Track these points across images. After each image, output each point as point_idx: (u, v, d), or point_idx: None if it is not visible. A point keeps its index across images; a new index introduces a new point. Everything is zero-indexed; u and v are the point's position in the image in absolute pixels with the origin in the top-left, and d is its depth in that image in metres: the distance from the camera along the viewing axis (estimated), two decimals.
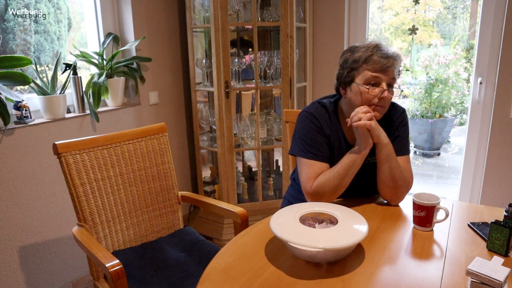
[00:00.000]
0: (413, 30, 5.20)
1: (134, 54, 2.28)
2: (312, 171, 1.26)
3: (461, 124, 5.55)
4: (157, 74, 2.44)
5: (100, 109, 2.10)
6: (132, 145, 1.54)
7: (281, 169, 2.64)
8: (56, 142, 1.32)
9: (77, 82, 1.94)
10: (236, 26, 2.52)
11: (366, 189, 1.37)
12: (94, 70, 2.15)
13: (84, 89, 2.00)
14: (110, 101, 2.19)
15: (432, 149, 4.82)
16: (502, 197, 2.35)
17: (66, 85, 1.91)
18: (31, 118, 1.77)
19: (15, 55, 1.64)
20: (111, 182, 1.47)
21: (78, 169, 1.37)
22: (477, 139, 2.42)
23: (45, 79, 1.91)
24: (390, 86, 1.24)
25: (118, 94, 2.19)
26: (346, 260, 0.97)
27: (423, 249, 1.03)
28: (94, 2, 2.15)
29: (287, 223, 0.99)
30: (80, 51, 2.07)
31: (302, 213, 1.06)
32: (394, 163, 1.24)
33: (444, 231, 1.12)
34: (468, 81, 4.84)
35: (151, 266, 1.40)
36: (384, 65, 1.20)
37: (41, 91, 1.80)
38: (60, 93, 1.86)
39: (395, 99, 1.32)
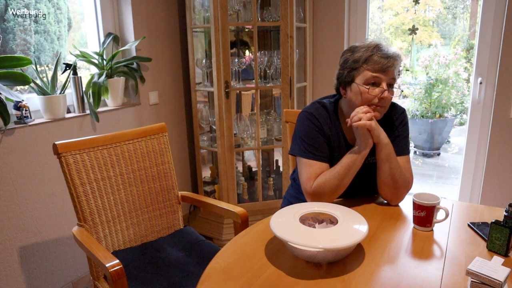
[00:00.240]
0: (413, 30, 5.20)
1: (134, 54, 2.28)
2: (312, 171, 1.26)
3: (461, 124, 5.55)
4: (157, 74, 2.44)
5: (100, 109, 2.10)
6: (132, 145, 1.54)
7: (281, 169, 2.64)
8: (56, 142, 1.32)
9: (77, 82, 1.94)
10: (236, 26, 2.52)
11: (366, 189, 1.37)
12: (94, 70, 2.15)
13: (84, 89, 2.00)
14: (110, 101, 2.19)
15: (432, 149, 4.82)
16: (502, 197, 2.35)
17: (66, 85, 1.91)
18: (31, 118, 1.77)
19: (15, 55, 1.64)
20: (111, 182, 1.47)
21: (78, 169, 1.37)
22: (477, 139, 2.42)
23: (45, 79, 1.91)
24: (390, 86, 1.24)
25: (118, 94, 2.19)
26: (346, 260, 0.97)
27: (423, 249, 1.03)
28: (94, 2, 2.15)
29: (287, 223, 0.99)
30: (80, 51, 2.07)
31: (302, 213, 1.06)
32: (394, 163, 1.24)
33: (444, 231, 1.12)
34: (468, 81, 4.84)
35: (151, 266, 1.40)
36: (384, 65, 1.20)
37: (41, 91, 1.80)
38: (60, 93, 1.86)
39: (395, 99, 1.32)
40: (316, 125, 1.30)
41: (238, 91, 2.68)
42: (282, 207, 1.49)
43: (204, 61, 2.42)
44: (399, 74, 1.32)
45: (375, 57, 1.20)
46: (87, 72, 2.25)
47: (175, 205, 1.65)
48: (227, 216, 1.51)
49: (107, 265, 1.10)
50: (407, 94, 5.20)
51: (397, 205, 1.30)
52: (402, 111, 1.39)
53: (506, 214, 0.98)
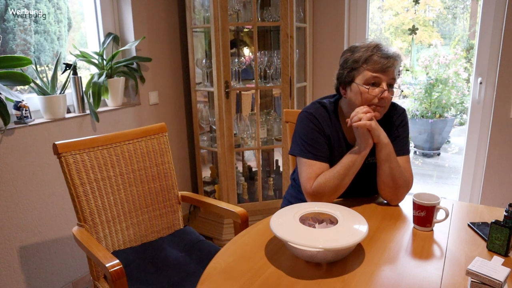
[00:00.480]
0: (413, 30, 5.20)
1: (134, 54, 2.28)
2: (312, 171, 1.26)
3: (461, 124, 5.55)
4: (157, 74, 2.44)
5: (100, 109, 2.10)
6: (132, 145, 1.54)
7: (281, 169, 2.64)
8: (56, 142, 1.32)
9: (77, 82, 1.94)
10: (236, 26, 2.52)
11: (366, 189, 1.37)
12: (94, 70, 2.15)
13: (84, 89, 2.00)
14: (110, 101, 2.19)
15: (432, 149, 4.82)
16: (502, 197, 2.35)
17: (66, 85, 1.91)
18: (31, 118, 1.77)
19: (15, 55, 1.64)
20: (111, 182, 1.47)
21: (78, 169, 1.37)
22: (477, 139, 2.42)
23: (45, 79, 1.91)
24: (390, 86, 1.24)
25: (118, 94, 2.19)
26: (346, 260, 0.97)
27: (423, 249, 1.03)
28: (94, 2, 2.15)
29: (287, 223, 0.99)
30: (80, 51, 2.07)
31: (302, 213, 1.06)
32: (394, 163, 1.24)
33: (444, 231, 1.12)
34: (468, 81, 4.84)
35: (151, 266, 1.40)
36: (384, 65, 1.20)
37: (41, 91, 1.80)
38: (60, 93, 1.86)
39: (395, 99, 1.32)
40: (316, 125, 1.30)
41: (238, 91, 2.68)
42: (282, 207, 1.49)
43: (204, 61, 2.42)
44: (399, 74, 1.32)
45: (375, 57, 1.20)
46: (87, 72, 2.25)
47: (175, 205, 1.65)
48: (227, 216, 1.51)
49: (107, 265, 1.10)
50: (407, 94, 5.20)
51: (397, 205, 1.30)
52: (402, 111, 1.39)
53: (506, 214, 0.98)
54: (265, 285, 0.88)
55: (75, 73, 1.92)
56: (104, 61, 2.13)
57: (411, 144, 4.92)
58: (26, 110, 1.72)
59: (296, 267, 0.95)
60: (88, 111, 2.01)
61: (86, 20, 2.19)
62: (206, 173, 2.78)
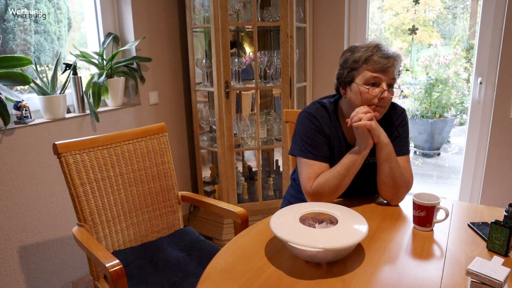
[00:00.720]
0: (413, 30, 5.20)
1: (134, 54, 2.28)
2: (312, 171, 1.26)
3: (461, 124, 5.55)
4: (157, 74, 2.44)
5: (100, 109, 2.10)
6: (132, 145, 1.54)
7: (281, 169, 2.64)
8: (56, 142, 1.32)
9: (77, 82, 1.94)
10: (236, 26, 2.52)
11: (366, 189, 1.37)
12: (94, 70, 2.15)
13: (84, 89, 2.00)
14: (110, 101, 2.19)
15: (432, 149, 4.82)
16: (502, 197, 2.35)
17: (66, 85, 1.91)
18: (31, 118, 1.77)
19: (15, 55, 1.64)
20: (111, 182, 1.47)
21: (78, 169, 1.37)
22: (477, 139, 2.42)
23: (45, 79, 1.91)
24: (390, 86, 1.24)
25: (118, 94, 2.19)
26: (346, 260, 0.97)
27: (423, 249, 1.03)
28: (94, 2, 2.15)
29: (287, 223, 0.99)
30: (80, 51, 2.07)
31: (302, 213, 1.06)
32: (394, 163, 1.24)
33: (444, 231, 1.12)
34: (468, 81, 4.84)
35: (151, 266, 1.40)
36: (384, 65, 1.20)
37: (41, 91, 1.80)
38: (60, 93, 1.86)
39: (395, 99, 1.32)
40: (316, 125, 1.30)
41: (238, 91, 2.68)
42: (282, 207, 1.49)
43: (204, 61, 2.42)
44: (399, 74, 1.32)
45: (375, 57, 1.20)
46: (87, 72, 2.25)
47: (175, 205, 1.65)
48: (227, 216, 1.51)
49: (107, 265, 1.10)
50: (407, 94, 5.20)
51: (397, 205, 1.30)
52: (402, 111, 1.39)
53: (506, 214, 0.98)
54: (265, 285, 0.88)
55: (75, 73, 1.92)
56: (104, 61, 2.13)
57: (411, 144, 4.92)
58: (26, 110, 1.72)
59: (296, 267, 0.95)
60: (88, 111, 2.01)
61: (86, 20, 2.19)
62: (206, 173, 2.78)
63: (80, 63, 2.13)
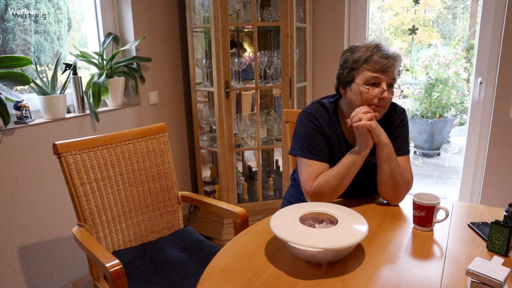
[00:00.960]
0: (413, 30, 5.20)
1: (134, 54, 2.28)
2: (312, 171, 1.26)
3: (461, 124, 5.56)
4: (157, 74, 2.44)
5: (100, 109, 2.10)
6: (132, 145, 1.54)
7: (281, 169, 2.64)
8: (56, 142, 1.32)
9: (77, 82, 1.94)
10: (236, 26, 2.52)
11: (366, 189, 1.37)
12: (94, 70, 2.15)
13: (84, 89, 2.00)
14: (110, 101, 2.19)
15: (432, 149, 4.82)
16: (502, 197, 2.35)
17: (66, 85, 1.91)
18: (31, 118, 1.77)
19: (15, 55, 1.64)
20: (111, 182, 1.47)
21: (78, 169, 1.37)
22: (477, 139, 2.42)
23: (45, 79, 1.91)
24: (390, 86, 1.24)
25: (118, 94, 2.19)
26: (346, 260, 0.97)
27: (423, 249, 1.03)
28: (94, 2, 2.15)
29: (287, 223, 0.99)
30: (80, 51, 2.07)
31: (302, 213, 1.06)
32: (394, 163, 1.24)
33: (444, 231, 1.12)
34: (468, 81, 4.84)
35: (151, 266, 1.40)
36: (384, 65, 1.20)
37: (41, 91, 1.80)
38: (60, 93, 1.86)
39: (395, 99, 1.32)
40: (316, 125, 1.30)
41: (238, 91, 2.68)
42: (282, 207, 1.49)
43: (204, 61, 2.42)
44: (399, 74, 1.32)
45: (375, 57, 1.20)
46: (87, 72, 2.25)
47: (175, 205, 1.65)
48: (227, 216, 1.51)
49: (107, 265, 1.10)
50: (407, 94, 5.20)
51: (397, 205, 1.30)
52: (402, 111, 1.39)
53: (506, 214, 0.98)
54: (265, 285, 0.88)
55: (75, 73, 1.92)
56: (104, 61, 2.13)
57: (411, 144, 4.92)
58: (26, 110, 1.72)
59: (296, 267, 0.95)
60: (88, 111, 2.01)
61: (86, 20, 2.19)
62: (206, 173, 2.78)
63: (80, 63, 2.13)
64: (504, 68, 2.20)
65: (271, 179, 2.68)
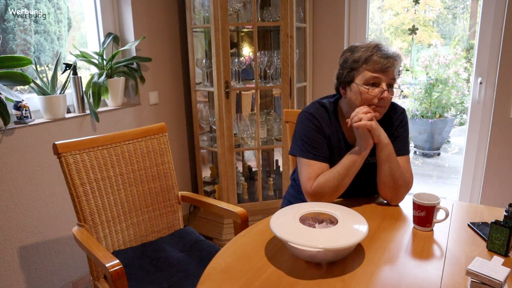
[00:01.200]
0: (413, 30, 5.20)
1: (134, 54, 2.28)
2: (312, 171, 1.26)
3: (461, 124, 5.56)
4: (157, 74, 2.44)
5: (100, 109, 2.10)
6: (132, 145, 1.54)
7: (281, 169, 2.64)
8: (56, 142, 1.32)
9: (77, 82, 1.94)
10: (236, 26, 2.52)
11: (366, 189, 1.37)
12: (94, 70, 2.15)
13: (84, 89, 2.00)
14: (110, 101, 2.19)
15: (432, 149, 4.82)
16: (502, 197, 2.35)
17: (66, 85, 1.91)
18: (31, 118, 1.77)
19: (15, 55, 1.64)
20: (111, 182, 1.47)
21: (78, 169, 1.37)
22: (477, 139, 2.42)
23: (45, 79, 1.91)
24: (390, 86, 1.24)
25: (118, 94, 2.19)
26: (346, 260, 0.97)
27: (423, 249, 1.03)
28: (94, 2, 2.15)
29: (287, 223, 0.99)
30: (80, 51, 2.07)
31: (302, 213, 1.06)
32: (394, 163, 1.24)
33: (444, 231, 1.12)
34: (468, 81, 4.84)
35: (151, 266, 1.40)
36: (384, 65, 1.20)
37: (41, 91, 1.80)
38: (60, 93, 1.86)
39: (395, 99, 1.32)
40: (316, 125, 1.30)
41: (238, 91, 2.68)
42: (282, 207, 1.49)
43: (204, 61, 2.42)
44: (399, 74, 1.32)
45: (375, 57, 1.20)
46: (87, 72, 2.25)
47: (175, 205, 1.65)
48: (227, 216, 1.51)
49: (107, 265, 1.10)
50: (407, 94, 5.20)
51: (397, 205, 1.30)
52: (402, 111, 1.39)
53: (506, 214, 0.98)
54: (265, 285, 0.88)
55: (75, 73, 1.92)
56: (104, 61, 2.13)
57: (411, 144, 4.92)
58: (26, 110, 1.72)
59: (296, 267, 0.95)
60: (88, 111, 2.01)
61: (86, 20, 2.19)
62: (206, 173, 2.78)
63: (80, 63, 2.13)
64: (504, 68, 2.20)
65: (271, 179, 2.68)
